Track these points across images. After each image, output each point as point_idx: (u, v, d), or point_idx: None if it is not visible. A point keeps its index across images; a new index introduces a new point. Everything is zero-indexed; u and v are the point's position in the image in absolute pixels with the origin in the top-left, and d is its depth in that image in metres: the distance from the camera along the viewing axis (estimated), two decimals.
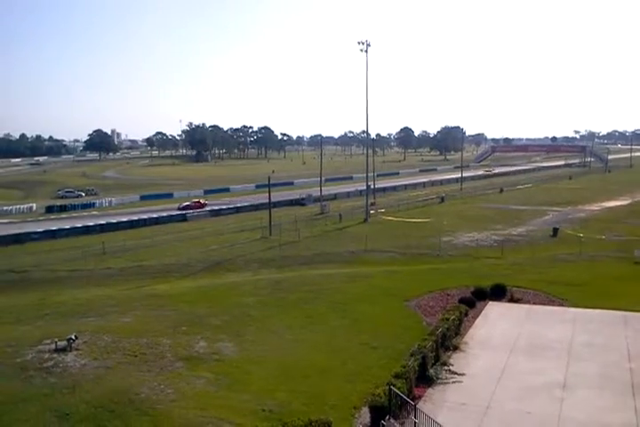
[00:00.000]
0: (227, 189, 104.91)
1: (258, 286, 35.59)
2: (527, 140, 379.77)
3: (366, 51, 64.67)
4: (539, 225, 60.26)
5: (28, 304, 33.50)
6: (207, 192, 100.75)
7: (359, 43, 64.48)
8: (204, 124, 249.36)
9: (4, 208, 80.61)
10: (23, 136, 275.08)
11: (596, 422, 17.39)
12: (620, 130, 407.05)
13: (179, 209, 75.61)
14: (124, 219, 68.53)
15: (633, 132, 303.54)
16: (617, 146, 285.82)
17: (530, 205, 76.47)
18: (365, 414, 17.82)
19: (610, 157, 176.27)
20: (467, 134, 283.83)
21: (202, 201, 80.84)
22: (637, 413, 17.90)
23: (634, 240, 46.09)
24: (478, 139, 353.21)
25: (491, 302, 30.27)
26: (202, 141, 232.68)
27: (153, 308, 30.82)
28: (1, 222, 70.49)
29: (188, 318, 28.53)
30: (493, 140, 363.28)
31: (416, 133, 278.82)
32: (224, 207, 78.81)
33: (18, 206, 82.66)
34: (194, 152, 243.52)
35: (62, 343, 23.58)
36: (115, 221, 67.25)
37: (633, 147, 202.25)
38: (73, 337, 23.83)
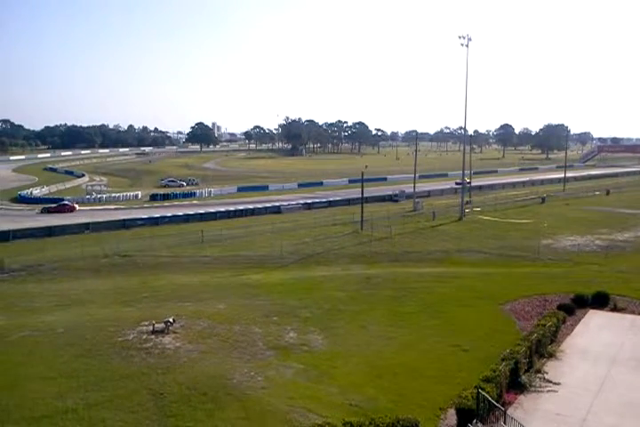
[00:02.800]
0: (320, 183, 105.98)
1: (348, 280, 35.73)
2: (638, 140, 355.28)
3: (467, 45, 63.40)
4: None
5: (130, 287, 35.53)
6: (301, 186, 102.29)
7: (460, 37, 63.47)
8: (299, 118, 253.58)
9: (114, 195, 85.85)
10: (131, 127, 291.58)
11: None
12: None
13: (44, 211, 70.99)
14: (222, 209, 70.97)
15: None
16: None
17: (638, 209, 71.58)
18: (452, 416, 17.54)
19: None
20: (571, 133, 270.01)
21: (71, 204, 74.77)
22: None
23: None
24: (584, 138, 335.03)
25: (592, 311, 28.69)
26: (297, 136, 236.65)
27: (246, 297, 31.77)
28: (110, 208, 75.21)
29: (279, 308, 29.16)
30: (600, 139, 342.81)
31: (516, 131, 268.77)
32: (317, 201, 79.70)
33: (125, 194, 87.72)
34: (289, 146, 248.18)
35: (160, 326, 24.85)
36: (213, 210, 69.85)
37: None
38: (171, 320, 25.05)
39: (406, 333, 25.61)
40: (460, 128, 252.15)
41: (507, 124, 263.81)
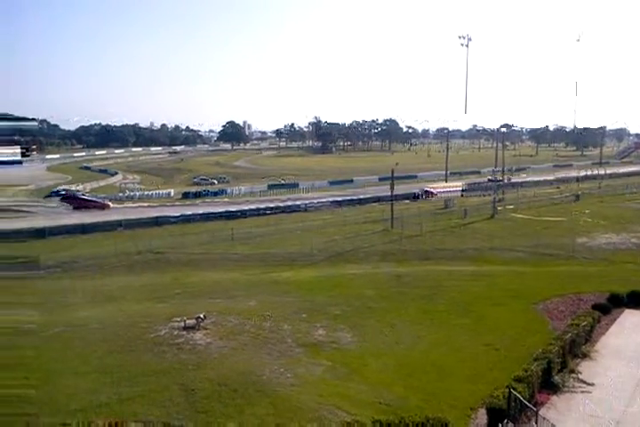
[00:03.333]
0: (350, 181, 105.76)
1: (378, 278, 35.62)
2: None
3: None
4: None
5: (162, 283, 36.04)
6: (331, 183, 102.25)
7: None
8: (328, 118, 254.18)
9: (146, 193, 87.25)
10: (164, 126, 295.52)
11: None
12: None
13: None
14: (252, 207, 71.49)
15: None
16: None
17: None
18: (482, 416, 17.33)
19: None
20: (607, 129, 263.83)
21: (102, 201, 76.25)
22: None
23: None
24: (620, 134, 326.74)
25: (627, 310, 28.02)
26: (327, 133, 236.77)
27: (276, 294, 31.93)
28: (143, 206, 76.45)
29: (308, 305, 29.22)
30: (637, 135, 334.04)
31: (550, 128, 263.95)
32: (347, 198, 79.63)
33: (157, 192, 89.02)
34: (319, 144, 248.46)
35: (191, 322, 25.15)
36: (244, 208, 70.41)
37: None
38: (202, 316, 25.34)
39: (436, 331, 25.42)
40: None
41: (541, 122, 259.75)
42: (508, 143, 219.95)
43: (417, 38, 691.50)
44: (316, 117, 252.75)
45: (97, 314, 28.33)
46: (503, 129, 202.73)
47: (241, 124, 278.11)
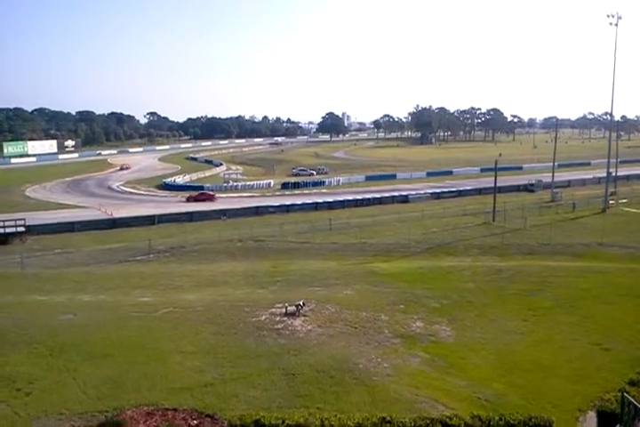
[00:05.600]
0: (449, 172, 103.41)
1: (478, 272, 34.72)
2: None
3: (616, 24, 58.30)
4: None
5: (263, 270, 37.08)
6: (429, 174, 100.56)
7: (608, 16, 58.40)
8: (430, 106, 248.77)
9: (248, 183, 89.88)
10: (265, 118, 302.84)
11: None
12: None
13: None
14: (350, 197, 71.74)
15: None
16: None
17: None
18: (591, 419, 16.56)
19: None
20: None
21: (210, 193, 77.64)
22: None
23: None
24: None
25: None
26: (427, 124, 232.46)
27: (373, 284, 31.96)
28: (245, 196, 78.95)
29: (405, 297, 29.04)
30: None
31: None
32: (445, 190, 78.01)
33: (258, 182, 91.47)
34: (418, 134, 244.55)
35: (291, 308, 25.77)
36: (341, 199, 70.80)
37: None
38: (301, 304, 25.88)
39: (540, 328, 24.46)
40: (606, 113, 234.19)
41: None
42: (622, 133, 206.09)
43: (523, 22, 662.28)
44: (416, 106, 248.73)
45: (202, 297, 29.65)
46: (617, 118, 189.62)
47: (340, 115, 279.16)
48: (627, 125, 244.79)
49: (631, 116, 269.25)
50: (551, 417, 15.33)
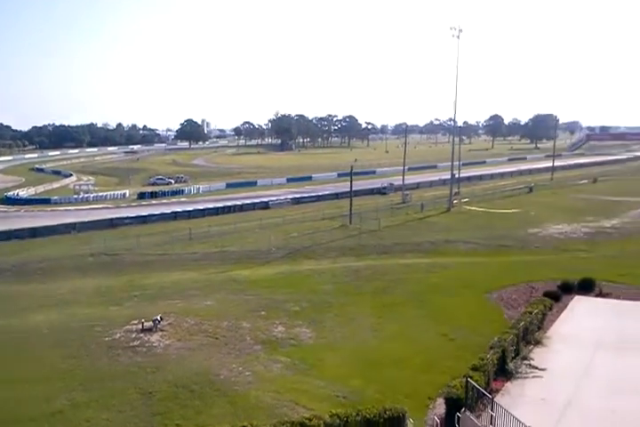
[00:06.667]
0: (309, 178, 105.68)
1: (336, 273, 35.74)
2: (626, 128, 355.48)
3: (458, 37, 63.27)
4: (635, 218, 56.70)
5: (118, 286, 35.31)
6: (290, 180, 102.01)
7: (451, 28, 63.26)
8: (290, 113, 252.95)
9: (101, 194, 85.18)
10: (120, 125, 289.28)
11: None
12: None
13: None
14: (210, 206, 70.54)
15: None
16: None
17: (626, 196, 71.91)
18: (440, 406, 17.60)
19: None
20: (560, 122, 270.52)
21: None
22: None
23: None
24: (572, 126, 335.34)
25: (577, 297, 28.94)
26: (287, 130, 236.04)
27: (234, 292, 31.73)
28: (97, 208, 74.67)
29: (267, 303, 29.15)
30: (589, 128, 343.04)
31: (506, 121, 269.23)
32: (305, 195, 79.55)
33: (113, 193, 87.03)
34: (279, 141, 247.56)
35: (148, 324, 24.80)
36: (201, 207, 69.38)
37: None
38: (158, 318, 24.99)
39: (394, 323, 25.72)
40: (450, 120, 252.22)
41: (496, 115, 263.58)
42: (464, 137, 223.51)
43: (377, 30, 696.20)
44: (276, 113, 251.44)
45: (50, 318, 27.61)
46: (460, 124, 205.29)
47: (199, 122, 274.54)
48: (468, 130, 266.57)
49: (472, 121, 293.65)
50: (404, 407, 16.13)
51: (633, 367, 20.23)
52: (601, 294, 29.31)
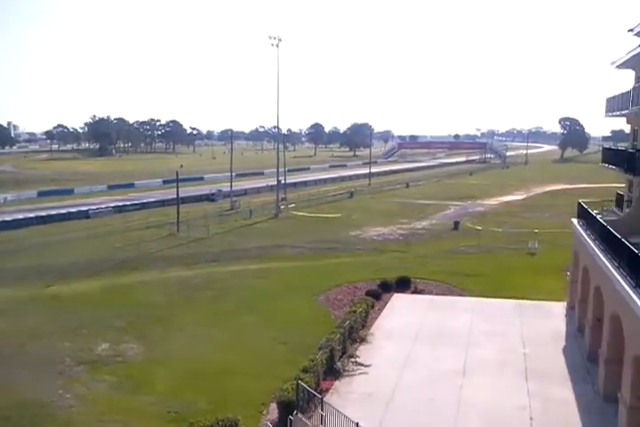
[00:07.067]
0: (132, 185, 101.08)
1: (165, 284, 34.70)
2: (432, 137, 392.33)
3: (277, 46, 64.56)
4: (441, 219, 62.58)
5: None
6: (111, 188, 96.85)
7: (270, 37, 64.25)
8: (108, 116, 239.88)
9: None
10: None
11: (492, 406, 18.34)
12: (518, 128, 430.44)
13: None
14: (20, 216, 64.47)
15: (529, 130, 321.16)
16: (514, 143, 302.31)
17: (433, 199, 79.27)
18: (274, 411, 17.84)
19: (508, 153, 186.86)
20: (375, 131, 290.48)
21: None
22: (530, 396, 19.07)
23: (528, 233, 48.92)
24: (386, 135, 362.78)
25: (396, 294, 31.24)
26: (106, 135, 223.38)
27: (53, 310, 29.31)
28: None
29: (90, 319, 27.45)
30: (400, 137, 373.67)
31: (326, 130, 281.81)
32: (128, 203, 76.06)
33: None
34: (97, 146, 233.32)
35: None
36: (9, 218, 63.08)
37: (529, 144, 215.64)
38: None
39: (226, 331, 25.63)
40: (275, 127, 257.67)
41: (317, 124, 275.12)
42: (288, 144, 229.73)
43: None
44: (93, 116, 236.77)
45: None
46: (284, 131, 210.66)
47: (5, 124, 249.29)
48: (292, 138, 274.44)
49: (296, 129, 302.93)
50: (236, 416, 16.15)
51: (447, 358, 22.28)
52: (416, 291, 32.01)
